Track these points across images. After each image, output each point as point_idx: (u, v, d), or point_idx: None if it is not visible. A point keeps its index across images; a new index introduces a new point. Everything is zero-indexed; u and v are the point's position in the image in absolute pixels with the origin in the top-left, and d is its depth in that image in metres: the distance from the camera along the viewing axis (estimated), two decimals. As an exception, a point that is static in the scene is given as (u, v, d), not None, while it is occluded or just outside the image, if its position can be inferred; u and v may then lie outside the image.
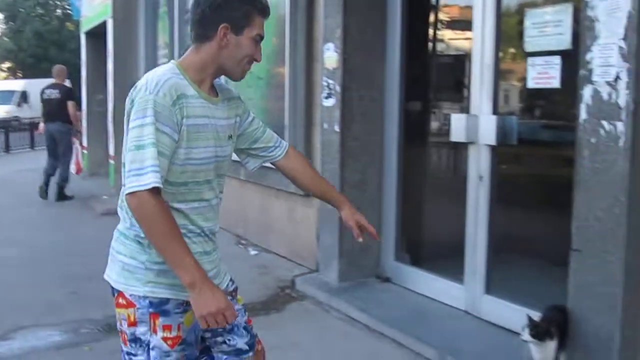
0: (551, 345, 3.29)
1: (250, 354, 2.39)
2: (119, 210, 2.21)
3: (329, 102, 5.23)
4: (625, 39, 3.02)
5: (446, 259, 4.81)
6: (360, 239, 2.47)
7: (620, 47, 3.04)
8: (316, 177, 2.52)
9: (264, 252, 6.74)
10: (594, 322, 3.25)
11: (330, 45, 5.17)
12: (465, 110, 4.60)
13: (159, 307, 2.10)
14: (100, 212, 8.77)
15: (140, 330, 2.11)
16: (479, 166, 4.44)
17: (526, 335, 3.25)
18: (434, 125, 5.70)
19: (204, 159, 2.12)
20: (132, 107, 2.00)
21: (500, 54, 4.36)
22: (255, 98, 6.88)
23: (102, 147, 11.95)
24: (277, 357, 4.28)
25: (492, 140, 4.28)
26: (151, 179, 1.92)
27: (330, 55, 5.18)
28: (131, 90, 2.06)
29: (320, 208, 5.51)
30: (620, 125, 3.06)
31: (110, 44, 10.52)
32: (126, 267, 2.12)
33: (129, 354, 2.16)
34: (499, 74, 4.37)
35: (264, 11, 2.13)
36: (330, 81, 5.19)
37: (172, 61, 2.14)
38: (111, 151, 10.69)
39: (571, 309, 3.38)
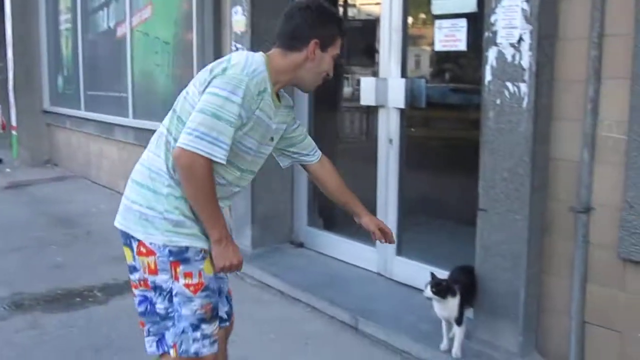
0: (453, 302, 3.36)
1: (227, 323, 2.48)
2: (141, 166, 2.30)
3: (238, 67, 5.12)
4: (528, 0, 3.07)
5: (359, 222, 4.83)
6: (382, 240, 2.75)
7: (523, 9, 3.08)
8: (342, 187, 2.65)
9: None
10: (500, 279, 3.34)
11: (238, 8, 5.05)
12: (376, 74, 4.60)
13: (179, 255, 2.18)
14: (3, 185, 8.39)
15: (162, 277, 2.20)
16: (388, 129, 4.47)
17: (428, 292, 3.31)
18: (346, 90, 5.69)
19: (249, 148, 2.27)
20: (220, 76, 2.13)
21: (409, 18, 4.37)
22: (162, 64, 6.69)
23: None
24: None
25: (401, 104, 4.31)
26: (222, 155, 2.10)
27: (238, 19, 5.06)
28: (223, 60, 2.20)
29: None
30: (523, 87, 3.13)
31: (8, 9, 9.97)
32: (143, 216, 2.20)
33: (149, 299, 2.28)
34: (408, 38, 4.39)
35: (344, 34, 2.38)
36: (239, 45, 5.08)
37: (262, 54, 2.28)
38: (13, 121, 10.19)
39: (478, 268, 3.46)
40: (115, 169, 8.10)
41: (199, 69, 5.79)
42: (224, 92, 2.10)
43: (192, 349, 2.22)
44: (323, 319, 4.28)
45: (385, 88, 4.42)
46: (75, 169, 9.46)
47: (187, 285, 2.20)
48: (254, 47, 4.97)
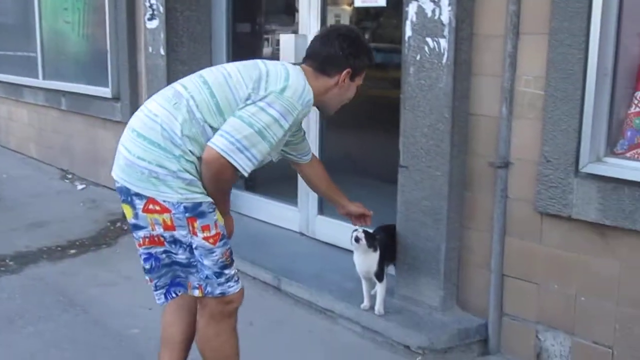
0: (374, 255, 3.34)
1: (197, 292, 2.40)
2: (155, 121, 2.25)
3: (153, 24, 4.94)
4: (447, -46, 3.04)
5: (280, 182, 4.79)
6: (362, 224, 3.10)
7: (443, -37, 3.05)
8: (329, 185, 2.90)
9: (93, 186, 6.42)
10: (422, 235, 3.35)
11: (151, -38, 4.84)
12: (296, 33, 4.51)
13: (194, 211, 2.20)
14: None
15: (180, 233, 2.22)
16: (309, 88, 4.39)
17: (359, 234, 3.25)
18: (266, 50, 5.56)
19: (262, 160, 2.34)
20: (277, 95, 2.21)
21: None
22: (73, 22, 6.38)
23: None
24: (112, 293, 4.12)
25: (321, 61, 4.23)
26: (250, 169, 2.21)
27: (151, -26, 4.86)
28: (280, 74, 2.27)
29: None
30: (443, 42, 3.10)
31: None
32: (153, 174, 2.18)
33: (167, 252, 2.29)
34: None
35: (372, 66, 2.56)
36: (153, 1, 4.88)
37: (304, 74, 2.36)
38: None
39: (399, 224, 3.46)
40: (26, 132, 7.75)
41: (112, 27, 5.57)
42: (276, 114, 2.20)
43: (218, 291, 2.30)
44: (245, 280, 4.17)
45: (304, 45, 4.31)
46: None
47: (206, 238, 2.24)
48: (169, 3, 4.81)
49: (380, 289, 3.40)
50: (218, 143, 2.16)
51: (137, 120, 2.30)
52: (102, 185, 6.30)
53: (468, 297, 3.38)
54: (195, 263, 2.29)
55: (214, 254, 2.26)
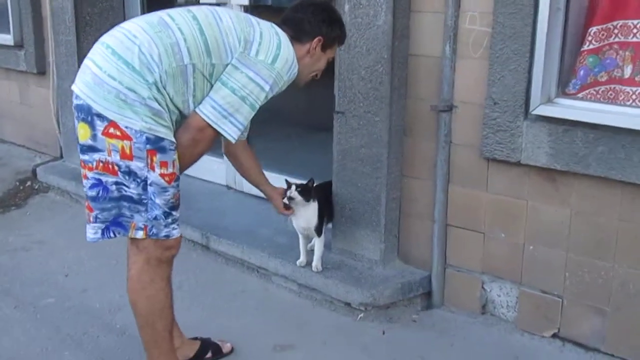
0: (313, 207, 3.09)
1: (141, 233, 2.29)
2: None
3: (56, -40, 4.47)
4: None
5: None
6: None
7: None
8: (258, 170, 2.89)
9: (-3, 142, 5.95)
10: (360, 185, 3.15)
11: None
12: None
13: (156, 144, 2.13)
14: None
15: (137, 165, 2.14)
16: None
17: (293, 192, 2.97)
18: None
19: None
20: (266, 66, 2.23)
21: None
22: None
23: None
24: (24, 260, 3.79)
25: (245, 0, 3.92)
26: (235, 135, 2.27)
27: None
28: (272, 40, 2.27)
29: (57, 86, 4.83)
30: (381, -24, 2.85)
31: None
32: (121, 96, 2.08)
33: (118, 183, 2.18)
34: None
35: (343, 42, 2.63)
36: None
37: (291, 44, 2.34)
38: None
39: (336, 175, 3.25)
40: None
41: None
42: (261, 81, 2.22)
43: (163, 233, 2.26)
44: (171, 240, 3.94)
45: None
46: None
47: (163, 175, 2.18)
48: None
49: (318, 244, 3.19)
50: (204, 109, 2.20)
51: (113, 38, 2.17)
52: (8, 142, 5.83)
53: (410, 249, 3.22)
54: (147, 201, 2.20)
55: (167, 193, 2.21)
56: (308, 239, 3.25)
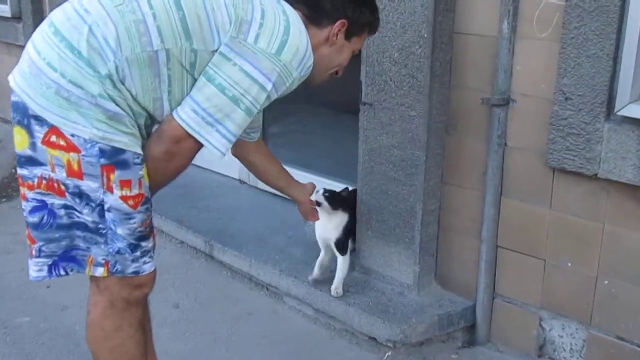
0: (342, 218, 2.61)
1: (101, 271, 1.83)
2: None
3: None
4: None
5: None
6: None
7: None
8: (280, 170, 2.34)
9: (-3, 122, 5.48)
10: (391, 194, 2.58)
11: None
12: None
13: (113, 157, 1.62)
14: None
15: (89, 184, 1.63)
16: None
17: (319, 196, 2.47)
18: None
19: None
20: (269, 56, 1.64)
21: None
22: None
23: None
24: (3, 264, 3.32)
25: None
26: (225, 149, 1.68)
27: None
28: (279, 22, 1.68)
29: None
30: None
31: None
32: (63, 92, 1.56)
33: (67, 207, 1.67)
34: None
35: (375, 30, 1.98)
36: None
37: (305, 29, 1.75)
38: None
39: (361, 179, 2.67)
40: None
41: None
42: (261, 77, 1.64)
43: (130, 269, 1.74)
44: (171, 245, 3.43)
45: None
46: None
47: (125, 198, 1.66)
48: None
49: (340, 264, 2.64)
50: (182, 113, 1.65)
51: (61, 12, 1.64)
52: (10, 121, 5.35)
53: (450, 272, 2.64)
54: (105, 231, 1.70)
55: (133, 221, 1.70)
56: (329, 256, 2.69)
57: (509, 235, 2.42)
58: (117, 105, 1.60)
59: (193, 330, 2.73)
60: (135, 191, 1.67)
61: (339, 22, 1.81)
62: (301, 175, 3.38)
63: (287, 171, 2.35)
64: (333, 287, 2.65)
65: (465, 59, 2.39)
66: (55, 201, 1.67)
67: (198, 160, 1.77)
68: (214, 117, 1.64)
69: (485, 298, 2.52)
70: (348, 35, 1.84)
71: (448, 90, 2.45)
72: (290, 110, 3.84)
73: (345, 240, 2.63)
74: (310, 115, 4.02)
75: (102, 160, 1.61)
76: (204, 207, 3.56)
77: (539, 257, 2.36)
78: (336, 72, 1.92)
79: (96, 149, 1.60)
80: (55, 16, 1.63)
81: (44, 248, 1.74)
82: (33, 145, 1.63)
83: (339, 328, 2.66)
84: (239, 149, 2.16)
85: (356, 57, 1.99)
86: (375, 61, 2.49)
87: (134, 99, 1.63)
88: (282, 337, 2.69)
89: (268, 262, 2.95)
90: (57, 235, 1.72)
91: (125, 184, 1.65)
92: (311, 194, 2.40)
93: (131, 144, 1.64)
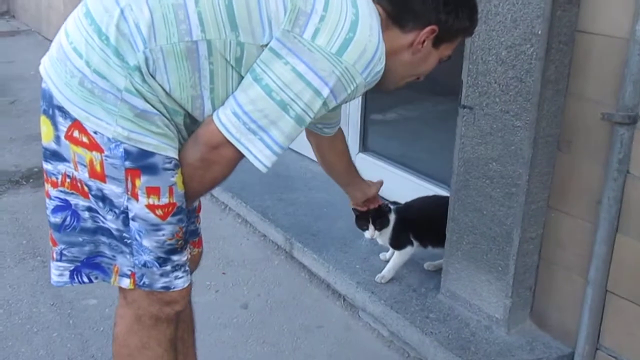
0: (387, 230, 2.52)
1: (196, 238, 1.88)
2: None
3: None
4: None
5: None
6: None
7: None
8: (350, 165, 2.14)
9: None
10: (486, 213, 2.23)
11: None
12: None
13: (140, 161, 1.41)
14: None
15: (112, 189, 1.44)
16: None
17: (372, 230, 2.47)
18: None
19: None
20: (329, 56, 1.35)
21: None
22: None
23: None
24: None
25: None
26: (269, 162, 1.41)
27: None
28: (346, 15, 1.37)
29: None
30: None
31: None
32: (87, 82, 1.37)
33: (91, 209, 1.50)
34: None
35: (471, 35, 1.63)
36: None
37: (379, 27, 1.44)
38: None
39: (454, 192, 2.33)
40: (61, 23, 6.86)
41: None
42: (316, 81, 1.36)
43: (159, 284, 1.54)
44: (254, 237, 3.23)
45: None
46: (29, 22, 8.27)
47: (151, 207, 1.45)
48: None
49: (395, 256, 2.59)
50: (222, 116, 1.39)
51: None
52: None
53: (548, 310, 2.26)
54: (130, 241, 1.49)
55: (161, 232, 1.47)
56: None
57: (621, 280, 2.01)
58: (147, 101, 1.38)
59: (256, 337, 2.52)
60: (164, 200, 1.45)
61: (428, 28, 1.47)
62: (396, 174, 3.09)
63: (354, 169, 2.17)
64: (381, 273, 2.59)
65: (588, 64, 1.97)
66: (79, 202, 1.49)
67: (296, 145, 1.51)
68: (257, 124, 1.37)
69: (586, 348, 2.12)
70: (436, 43, 1.51)
71: (563, 99, 2.05)
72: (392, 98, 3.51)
73: (399, 238, 2.54)
74: (415, 105, 3.67)
75: (127, 163, 1.41)
76: (292, 199, 3.33)
77: (656, 311, 1.93)
78: (417, 78, 1.60)
79: (121, 149, 1.39)
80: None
81: (65, 252, 1.57)
82: (57, 139, 1.45)
83: (414, 356, 2.36)
84: (311, 136, 1.94)
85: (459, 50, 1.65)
86: (480, 58, 2.12)
87: (168, 95, 1.39)
88: (350, 357, 2.42)
89: (347, 270, 2.68)
90: (80, 239, 1.54)
91: (152, 191, 1.44)
92: (371, 192, 2.28)
93: (162, 147, 1.42)
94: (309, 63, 1.34)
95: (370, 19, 1.40)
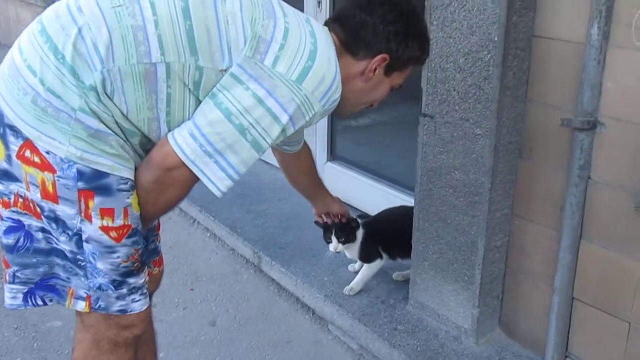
0: (355, 244, 2.48)
1: (83, 305, 1.62)
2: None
3: None
4: None
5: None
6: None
7: None
8: (315, 179, 2.14)
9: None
10: (451, 223, 2.20)
11: None
12: None
13: (93, 182, 1.38)
14: None
15: (65, 210, 1.40)
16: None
17: (335, 242, 2.42)
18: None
19: None
20: (288, 84, 1.35)
21: None
22: None
23: None
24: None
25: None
26: (225, 188, 1.41)
27: None
28: (304, 44, 1.40)
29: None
30: None
31: None
32: (40, 102, 1.33)
33: (45, 231, 1.46)
34: None
35: (422, 64, 1.66)
36: None
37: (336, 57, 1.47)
38: None
39: (418, 202, 2.29)
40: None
41: None
42: (276, 107, 1.36)
43: (116, 308, 1.51)
44: (223, 251, 3.18)
45: None
46: (1, 37, 8.14)
47: (106, 230, 1.41)
48: None
49: (364, 269, 2.55)
50: (178, 138, 1.38)
51: (53, 8, 1.41)
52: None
53: (517, 319, 2.23)
54: (84, 263, 1.45)
55: (116, 255, 1.45)
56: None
57: (587, 288, 1.98)
58: (102, 122, 1.35)
59: (225, 355, 2.47)
60: (119, 222, 1.42)
61: (379, 56, 1.50)
62: (365, 183, 3.05)
63: (318, 183, 2.17)
64: (349, 286, 2.55)
65: (547, 70, 1.94)
66: (33, 223, 1.45)
67: (266, 156, 1.49)
68: (214, 147, 1.36)
69: (555, 357, 2.09)
70: (388, 71, 1.54)
71: (523, 105, 2.02)
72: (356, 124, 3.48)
73: (368, 252, 2.50)
74: (383, 113, 3.64)
75: (81, 184, 1.37)
76: (261, 211, 3.28)
77: (623, 318, 1.90)
78: (370, 106, 1.62)
79: (74, 170, 1.36)
80: (47, 13, 1.40)
81: (19, 274, 1.52)
82: (9, 159, 1.40)
83: (383, 371, 2.32)
84: (276, 152, 1.94)
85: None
86: (438, 66, 2.09)
87: (125, 116, 1.36)
88: (320, 373, 2.39)
89: (315, 284, 2.64)
90: (34, 260, 1.50)
91: (106, 213, 1.41)
92: (337, 207, 2.30)
93: (117, 167, 1.39)
94: (270, 89, 1.35)
95: (328, 49, 1.43)
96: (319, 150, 3.39)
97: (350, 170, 3.29)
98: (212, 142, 1.36)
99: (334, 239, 2.37)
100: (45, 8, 4.85)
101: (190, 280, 2.94)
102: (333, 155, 3.43)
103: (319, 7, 3.19)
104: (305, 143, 1.97)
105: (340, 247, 2.38)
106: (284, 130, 1.39)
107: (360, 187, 3.19)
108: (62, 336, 2.57)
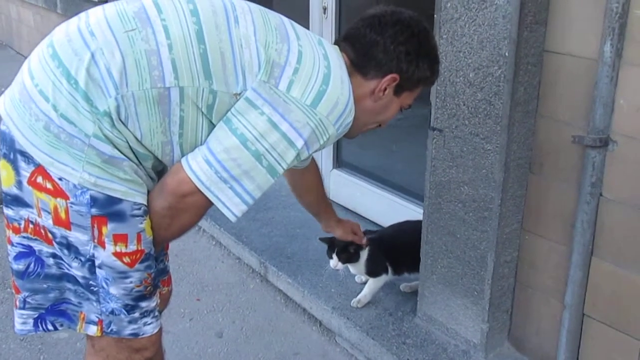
0: (359, 263, 2.46)
1: (94, 329, 1.59)
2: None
3: None
4: None
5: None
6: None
7: None
8: (321, 197, 2.13)
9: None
10: (460, 237, 2.18)
11: None
12: None
13: (107, 208, 1.37)
14: None
15: (77, 236, 1.39)
16: (321, -5, 3.16)
17: (334, 260, 2.42)
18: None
19: None
20: (303, 108, 1.35)
21: None
22: None
23: None
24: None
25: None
26: (239, 212, 1.40)
27: None
28: (318, 69, 1.38)
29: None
30: None
31: None
32: (53, 128, 1.31)
33: (56, 256, 1.45)
34: None
35: (431, 85, 1.70)
36: None
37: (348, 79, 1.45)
38: None
39: (427, 216, 2.28)
40: (33, 37, 6.77)
41: None
42: (291, 132, 1.35)
43: (127, 331, 1.51)
44: (229, 260, 3.17)
45: None
46: (2, 36, 8.14)
47: (119, 255, 1.41)
48: None
49: (370, 282, 2.54)
50: (192, 163, 1.36)
51: (64, 30, 1.38)
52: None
53: (526, 333, 2.21)
54: (96, 288, 1.45)
55: (129, 280, 1.44)
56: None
57: (598, 305, 1.96)
58: (115, 147, 1.34)
59: (231, 365, 2.46)
60: (132, 247, 1.41)
61: (389, 76, 1.48)
62: (371, 190, 3.04)
63: (324, 202, 2.16)
64: (356, 298, 2.55)
65: (558, 85, 1.92)
66: (43, 248, 1.44)
67: None
68: (230, 173, 1.35)
69: (566, 373, 2.08)
70: (398, 91, 1.52)
71: (534, 120, 2.00)
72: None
73: (375, 267, 2.48)
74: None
75: (94, 210, 1.36)
76: (267, 219, 3.27)
77: (634, 335, 1.89)
78: (379, 125, 1.61)
79: (87, 196, 1.35)
80: (57, 35, 1.37)
81: (29, 299, 1.51)
82: (19, 184, 1.39)
83: (391, 385, 2.31)
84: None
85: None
86: (448, 80, 2.07)
87: (138, 141, 1.36)
88: (327, 387, 2.37)
89: (322, 295, 2.63)
90: (44, 285, 1.49)
91: (119, 238, 1.40)
92: (340, 232, 2.25)
93: (130, 193, 1.38)
94: (284, 114, 1.33)
95: (341, 71, 1.42)
96: (325, 157, 3.38)
97: (356, 178, 3.27)
98: (227, 168, 1.35)
99: (334, 256, 2.36)
100: (45, 8, 4.82)
101: (196, 290, 2.93)
102: (339, 162, 3.41)
103: (324, 14, 3.17)
104: (313, 159, 1.95)
105: (340, 265, 2.38)
106: (298, 155, 1.38)
107: (366, 194, 3.17)
108: (68, 348, 2.55)
